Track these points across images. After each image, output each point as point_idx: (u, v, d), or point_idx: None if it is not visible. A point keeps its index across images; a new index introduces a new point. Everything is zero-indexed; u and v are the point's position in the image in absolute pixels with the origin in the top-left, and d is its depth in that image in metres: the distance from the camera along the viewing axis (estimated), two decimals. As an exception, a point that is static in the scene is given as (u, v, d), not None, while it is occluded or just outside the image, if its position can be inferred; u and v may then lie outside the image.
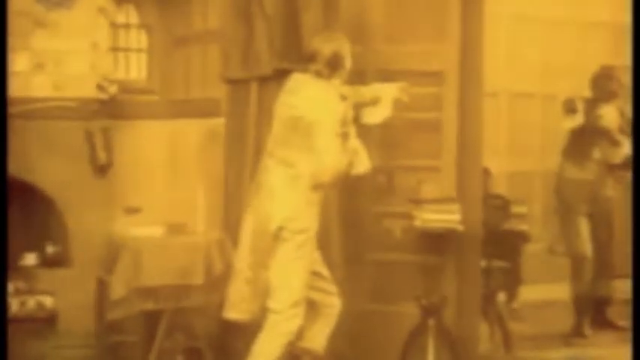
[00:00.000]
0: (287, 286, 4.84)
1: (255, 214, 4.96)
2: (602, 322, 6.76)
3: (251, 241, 4.92)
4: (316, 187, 4.82)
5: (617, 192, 7.01)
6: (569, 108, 6.89)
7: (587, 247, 6.73)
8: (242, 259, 4.97)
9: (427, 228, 5.81)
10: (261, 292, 4.86)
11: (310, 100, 4.83)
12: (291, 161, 4.84)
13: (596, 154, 6.84)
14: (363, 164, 4.98)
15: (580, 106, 6.87)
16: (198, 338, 5.93)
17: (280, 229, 4.84)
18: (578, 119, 6.86)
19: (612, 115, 6.87)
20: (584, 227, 6.77)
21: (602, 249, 6.81)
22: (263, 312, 4.89)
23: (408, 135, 6.16)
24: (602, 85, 6.86)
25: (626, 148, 6.71)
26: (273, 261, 4.86)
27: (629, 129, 6.73)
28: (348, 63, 4.96)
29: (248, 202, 5.13)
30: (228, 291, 5.02)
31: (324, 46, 4.87)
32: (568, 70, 7.86)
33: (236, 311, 4.96)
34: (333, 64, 4.88)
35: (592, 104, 6.90)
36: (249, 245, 4.93)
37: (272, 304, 4.89)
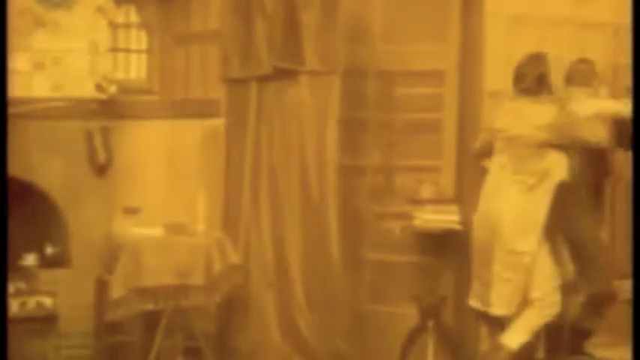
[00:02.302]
0: (548, 276, 5.40)
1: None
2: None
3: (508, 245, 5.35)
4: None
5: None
6: None
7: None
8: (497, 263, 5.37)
9: (426, 228, 5.83)
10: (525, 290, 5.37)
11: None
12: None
13: None
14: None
15: None
16: (198, 338, 5.93)
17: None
18: None
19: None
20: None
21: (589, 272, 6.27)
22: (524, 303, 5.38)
23: (408, 135, 6.17)
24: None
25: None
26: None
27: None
28: (551, 79, 5.57)
29: None
30: (490, 294, 5.38)
31: (532, 69, 5.52)
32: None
33: (503, 308, 5.38)
34: (541, 83, 5.49)
35: None
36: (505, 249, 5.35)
37: (536, 293, 5.37)
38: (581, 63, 6.10)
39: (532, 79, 5.49)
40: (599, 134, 5.62)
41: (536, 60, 5.57)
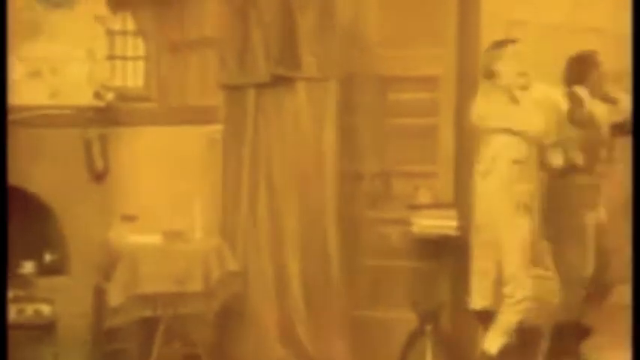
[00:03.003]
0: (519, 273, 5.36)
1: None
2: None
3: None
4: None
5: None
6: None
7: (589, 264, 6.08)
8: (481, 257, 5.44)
9: (424, 234, 5.82)
10: (498, 282, 5.40)
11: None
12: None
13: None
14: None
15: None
16: (196, 345, 5.92)
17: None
18: None
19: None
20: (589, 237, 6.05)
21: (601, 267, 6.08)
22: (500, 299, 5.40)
23: (405, 141, 6.17)
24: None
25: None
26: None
27: None
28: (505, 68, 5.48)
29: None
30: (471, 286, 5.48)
31: (487, 58, 5.52)
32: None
33: (481, 301, 5.45)
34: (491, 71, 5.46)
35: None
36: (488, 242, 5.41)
37: (506, 288, 5.35)
38: (581, 56, 6.07)
39: (484, 67, 5.48)
40: (536, 125, 5.43)
41: (493, 48, 5.52)
